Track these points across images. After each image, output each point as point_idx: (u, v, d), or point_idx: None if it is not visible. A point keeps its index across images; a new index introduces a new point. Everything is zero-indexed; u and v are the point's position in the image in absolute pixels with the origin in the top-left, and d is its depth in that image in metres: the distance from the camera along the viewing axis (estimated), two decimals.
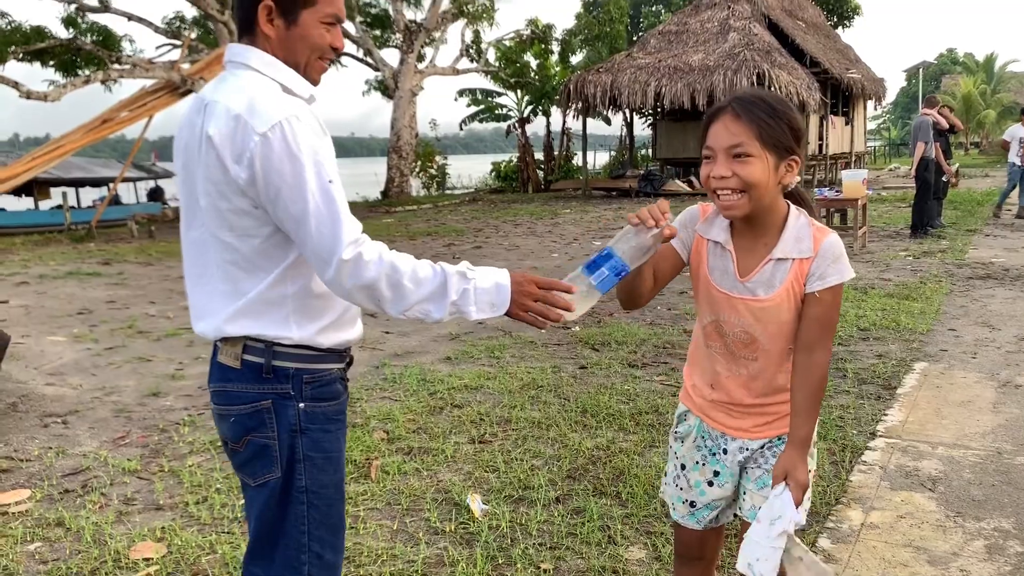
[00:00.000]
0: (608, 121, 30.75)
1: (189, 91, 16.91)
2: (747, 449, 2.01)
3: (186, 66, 17.92)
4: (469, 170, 35.30)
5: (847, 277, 1.84)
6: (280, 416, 1.78)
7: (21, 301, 8.79)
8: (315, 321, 1.78)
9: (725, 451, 2.04)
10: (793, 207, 1.91)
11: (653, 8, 42.88)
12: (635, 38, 31.97)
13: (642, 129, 33.13)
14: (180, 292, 9.25)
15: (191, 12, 21.46)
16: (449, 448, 4.10)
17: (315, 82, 1.84)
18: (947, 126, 12.50)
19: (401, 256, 1.68)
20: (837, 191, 11.16)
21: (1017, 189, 14.09)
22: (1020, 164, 13.80)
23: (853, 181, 10.67)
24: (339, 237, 1.63)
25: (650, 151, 29.06)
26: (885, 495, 3.50)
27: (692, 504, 2.10)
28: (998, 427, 4.28)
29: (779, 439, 1.99)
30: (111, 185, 18.98)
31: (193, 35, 22.18)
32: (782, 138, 1.81)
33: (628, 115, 27.67)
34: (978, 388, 4.95)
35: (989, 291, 7.85)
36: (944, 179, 12.72)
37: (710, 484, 2.07)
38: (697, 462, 2.08)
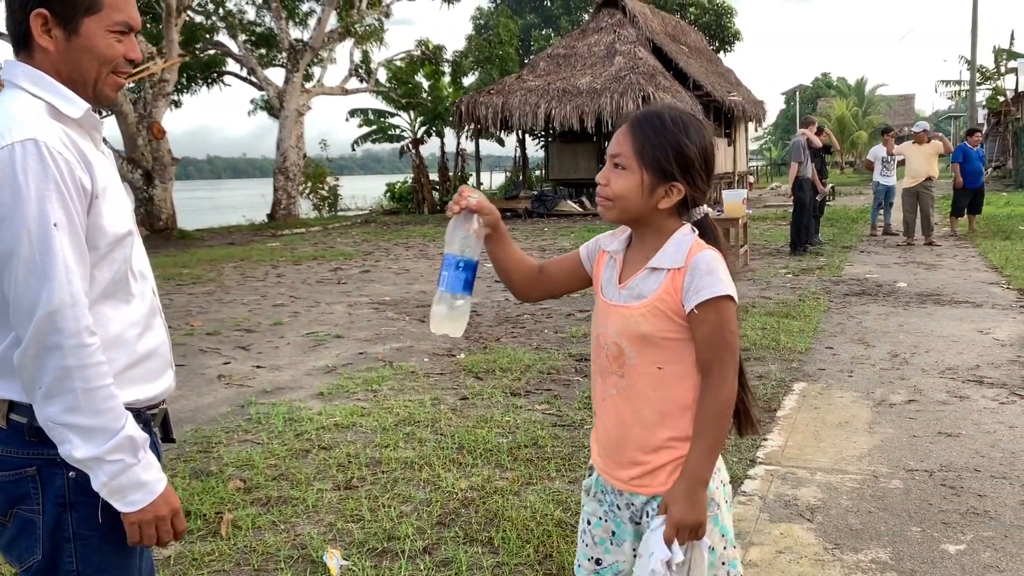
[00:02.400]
0: (501, 142, 30.83)
1: None
2: (632, 505, 1.84)
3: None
4: (365, 191, 34.73)
5: (720, 291, 1.69)
6: (46, 486, 1.54)
7: None
8: None
9: (618, 507, 1.87)
10: (687, 226, 1.80)
11: (543, 32, 43.48)
12: (526, 60, 32.24)
13: (535, 150, 33.44)
14: None
15: None
16: (311, 497, 3.79)
17: (111, 99, 1.65)
18: (820, 145, 12.95)
19: (102, 371, 1.47)
20: (719, 211, 11.34)
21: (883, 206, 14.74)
22: (884, 183, 14.41)
23: (733, 201, 10.86)
24: (49, 288, 1.41)
25: (543, 172, 29.25)
26: (764, 528, 3.39)
27: (598, 562, 1.92)
28: (874, 448, 4.27)
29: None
30: None
31: None
32: (662, 159, 1.73)
33: (520, 136, 27.80)
34: (855, 408, 4.96)
35: (864, 307, 8.05)
36: (819, 198, 13.15)
37: (611, 543, 1.89)
38: (600, 517, 1.91)
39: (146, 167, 18.10)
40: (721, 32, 36.96)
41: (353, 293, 9.97)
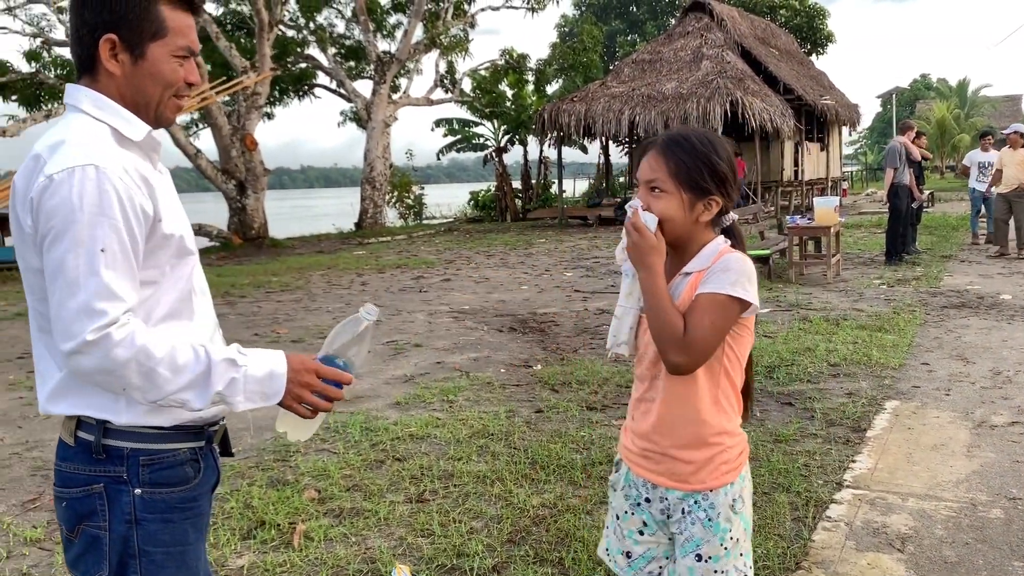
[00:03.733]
0: (585, 149, 30.74)
1: None
2: (665, 500, 1.92)
3: None
4: (450, 199, 35.13)
5: (726, 289, 1.77)
6: (113, 503, 1.56)
7: None
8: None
9: (648, 500, 1.96)
10: (721, 236, 1.93)
11: (628, 37, 43.14)
12: (610, 67, 32.05)
13: (619, 157, 33.16)
14: None
15: None
16: (383, 509, 3.78)
17: (170, 121, 1.68)
18: (918, 154, 12.39)
19: (158, 340, 1.47)
20: (809, 218, 10.98)
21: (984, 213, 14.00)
22: (980, 189, 13.67)
23: (825, 208, 10.50)
24: (94, 315, 1.42)
25: (627, 179, 28.99)
26: (850, 557, 3.21)
27: (628, 555, 2.00)
28: (972, 474, 4.01)
29: (698, 498, 1.88)
30: None
31: None
32: (698, 178, 1.84)
33: (604, 143, 27.62)
34: (952, 429, 4.69)
35: (964, 321, 7.63)
36: (916, 204, 12.59)
37: (640, 533, 1.99)
38: (627, 511, 2.00)
39: (239, 178, 18.70)
40: (813, 34, 35.95)
41: (433, 302, 10.04)
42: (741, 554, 1.91)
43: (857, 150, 78.08)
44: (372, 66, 23.11)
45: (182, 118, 19.16)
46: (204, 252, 18.01)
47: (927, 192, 17.71)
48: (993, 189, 12.56)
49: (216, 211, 22.04)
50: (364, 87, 24.79)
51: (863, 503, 3.71)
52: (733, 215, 1.94)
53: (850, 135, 34.23)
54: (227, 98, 19.93)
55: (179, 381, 1.47)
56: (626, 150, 28.20)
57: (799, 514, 3.60)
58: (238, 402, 1.52)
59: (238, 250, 17.98)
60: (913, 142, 12.35)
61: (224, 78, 18.74)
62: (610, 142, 28.03)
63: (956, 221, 17.73)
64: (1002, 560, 3.14)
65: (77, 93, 1.59)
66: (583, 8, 44.80)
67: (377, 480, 4.15)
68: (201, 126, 23.04)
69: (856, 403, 5.19)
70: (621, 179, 31.30)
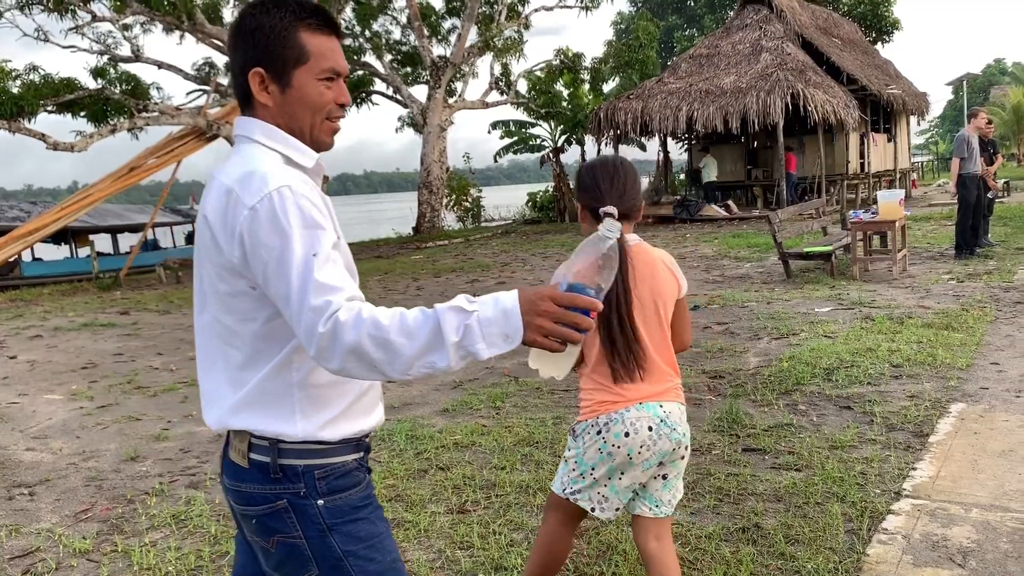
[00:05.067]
0: (643, 147, 30.38)
1: (215, 136, 17.02)
2: None
3: (213, 111, 18.06)
4: (509, 200, 35.15)
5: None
6: (301, 516, 1.65)
7: (30, 356, 8.69)
8: (322, 412, 1.64)
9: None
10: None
11: (686, 32, 42.55)
12: (668, 63, 31.63)
13: (679, 153, 32.70)
14: (189, 342, 9.07)
15: (221, 59, 21.77)
16: (424, 520, 3.74)
17: (327, 144, 1.72)
18: (989, 136, 11.86)
19: (383, 310, 1.47)
20: (873, 213, 10.61)
21: None
22: None
23: (889, 202, 10.12)
24: (317, 310, 1.47)
25: (686, 176, 28.57)
26: (907, 573, 3.04)
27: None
28: None
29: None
30: (143, 231, 19.16)
31: (224, 80, 22.45)
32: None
33: (663, 140, 27.26)
34: (1021, 434, 4.43)
35: None
36: (990, 195, 12.07)
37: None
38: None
39: None
40: (878, 22, 34.83)
41: None
42: (565, 465, 2.58)
43: (928, 140, 75.60)
44: (427, 71, 23.26)
45: None
46: None
47: (1002, 181, 17.01)
48: None
49: None
50: (420, 92, 25.00)
51: (923, 514, 3.52)
52: (606, 210, 2.25)
53: (919, 124, 33.07)
54: None
55: (415, 344, 1.44)
56: (685, 147, 27.80)
57: (853, 526, 3.43)
58: (480, 350, 1.45)
59: None
60: (982, 129, 11.85)
61: None
62: (669, 139, 27.72)
63: None
64: None
65: (249, 125, 1.66)
66: (639, 4, 44.35)
67: (419, 490, 4.12)
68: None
69: (919, 406, 4.96)
70: (681, 176, 30.87)
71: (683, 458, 2.52)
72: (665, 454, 2.43)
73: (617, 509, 2.51)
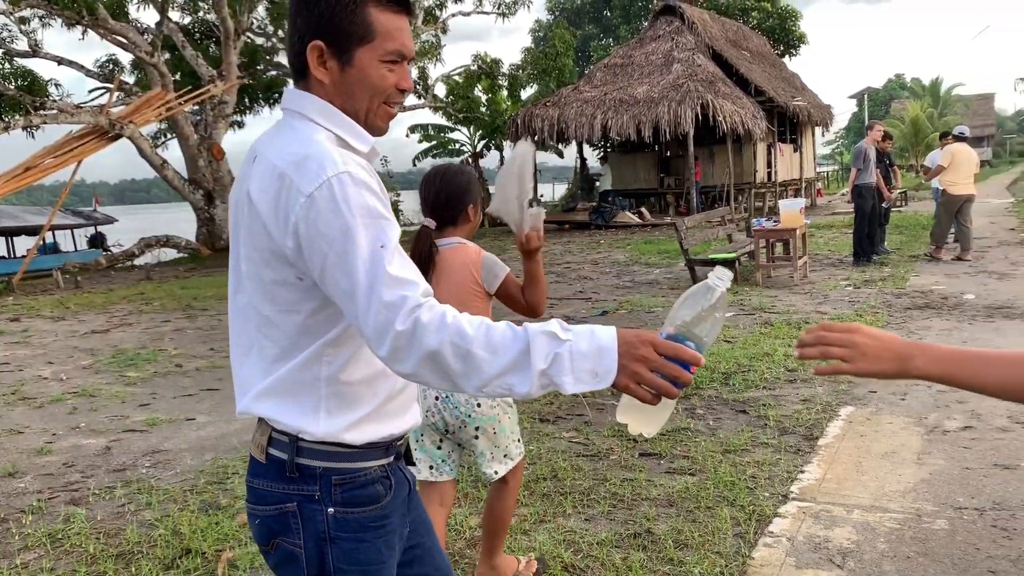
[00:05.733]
0: (561, 154, 30.69)
1: (119, 136, 16.42)
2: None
3: (117, 110, 17.41)
4: None
5: None
6: (307, 522, 1.55)
7: None
8: (349, 411, 1.54)
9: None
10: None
11: (602, 42, 43.19)
12: (585, 71, 32.03)
13: (596, 160, 33.12)
14: (84, 349, 8.72)
15: (126, 56, 21.02)
16: None
17: (381, 130, 1.61)
18: (886, 149, 12.37)
19: (471, 319, 1.39)
20: (776, 221, 10.94)
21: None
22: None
23: (790, 211, 10.45)
24: (393, 306, 1.37)
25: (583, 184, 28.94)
26: (789, 575, 3.12)
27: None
28: (920, 483, 3.93)
29: None
30: (40, 233, 18.32)
31: (130, 79, 21.72)
32: None
33: (579, 147, 27.58)
34: (904, 435, 4.61)
35: (926, 322, 7.59)
36: (885, 205, 12.59)
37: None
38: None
39: (207, 188, 18.49)
40: (785, 36, 36.06)
41: None
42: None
43: (834, 150, 78.58)
44: None
45: (148, 129, 18.89)
46: (169, 265, 17.80)
47: (898, 192, 17.78)
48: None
49: (184, 222, 21.80)
50: None
51: (807, 516, 3.62)
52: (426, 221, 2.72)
53: (823, 136, 34.35)
54: (195, 107, 19.71)
55: (499, 362, 1.35)
56: (601, 154, 28.17)
57: (742, 529, 3.50)
58: (566, 383, 1.34)
59: (206, 261, 17.76)
60: (879, 143, 12.37)
61: (190, 87, 18.52)
62: (586, 146, 28.06)
63: (926, 220, 17.75)
64: (942, 574, 3.06)
65: (303, 100, 1.54)
66: (557, 13, 44.83)
67: None
68: (168, 136, 22.78)
69: (811, 410, 5.11)
70: (597, 183, 31.29)
71: (476, 438, 2.75)
72: (451, 424, 2.72)
73: (431, 467, 2.79)
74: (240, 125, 25.50)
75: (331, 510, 1.54)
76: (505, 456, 2.84)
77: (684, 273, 11.45)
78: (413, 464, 1.80)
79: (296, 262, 1.45)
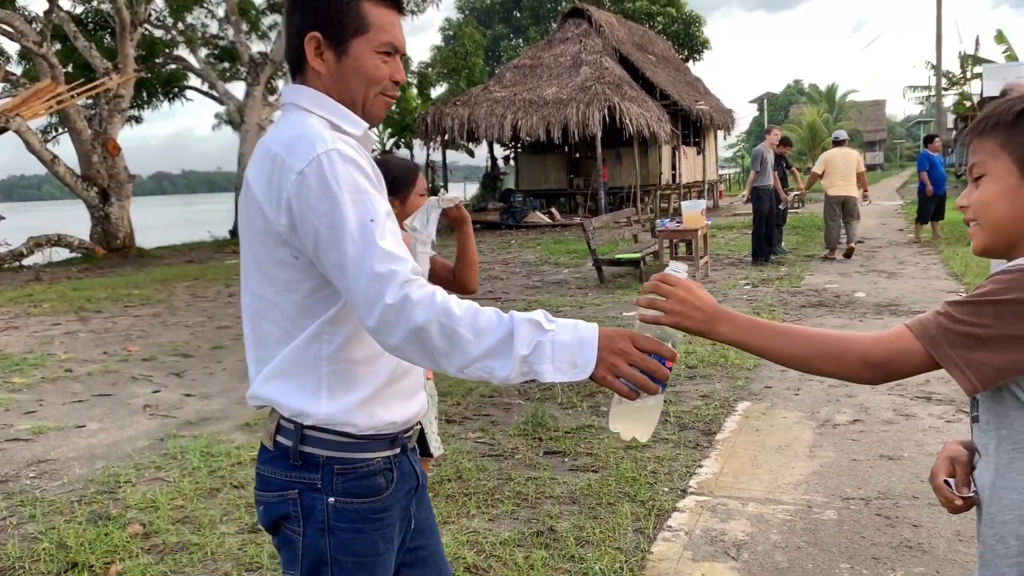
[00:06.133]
0: (471, 153, 30.71)
1: (5, 128, 15.59)
2: None
3: (2, 102, 16.53)
4: None
5: None
6: (307, 510, 1.58)
7: None
8: (351, 391, 1.55)
9: None
10: None
11: (512, 42, 43.41)
12: (495, 71, 32.11)
13: (509, 161, 33.22)
14: None
15: (12, 46, 19.97)
16: (212, 542, 3.54)
17: (378, 119, 1.68)
18: (784, 152, 12.84)
19: (459, 301, 1.43)
20: (679, 222, 11.21)
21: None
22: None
23: (692, 212, 10.72)
24: (382, 278, 1.41)
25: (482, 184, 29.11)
26: (686, 568, 3.19)
27: None
28: (812, 475, 4.09)
29: None
30: None
31: (17, 70, 20.65)
32: None
33: (489, 147, 27.64)
34: (797, 429, 4.79)
35: (820, 319, 7.91)
36: (782, 206, 13.06)
37: None
38: None
39: (102, 185, 17.74)
40: (690, 41, 37.04)
41: None
42: None
43: (736, 153, 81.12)
44: (245, 68, 22.36)
45: (37, 123, 18.00)
46: (61, 265, 16.99)
47: (793, 194, 18.45)
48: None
49: (78, 220, 20.84)
50: (239, 89, 23.98)
51: (705, 510, 3.71)
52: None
53: (725, 139, 35.41)
54: (88, 101, 18.87)
55: (482, 345, 1.39)
56: (512, 154, 28.31)
57: (641, 524, 3.56)
58: (546, 371, 1.39)
59: (101, 261, 17.01)
60: (777, 147, 12.82)
61: (83, 80, 17.72)
62: (497, 146, 28.15)
63: (821, 222, 18.51)
64: (830, 563, 3.18)
65: (297, 92, 1.62)
66: (466, 12, 44.81)
67: (210, 511, 3.90)
68: (59, 130, 21.77)
69: (709, 405, 5.25)
70: (500, 181, 31.40)
71: None
72: None
73: None
74: (137, 120, 24.58)
75: (331, 499, 1.57)
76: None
77: (592, 273, 11.61)
78: (430, 455, 1.82)
79: (290, 240, 1.49)
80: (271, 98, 23.39)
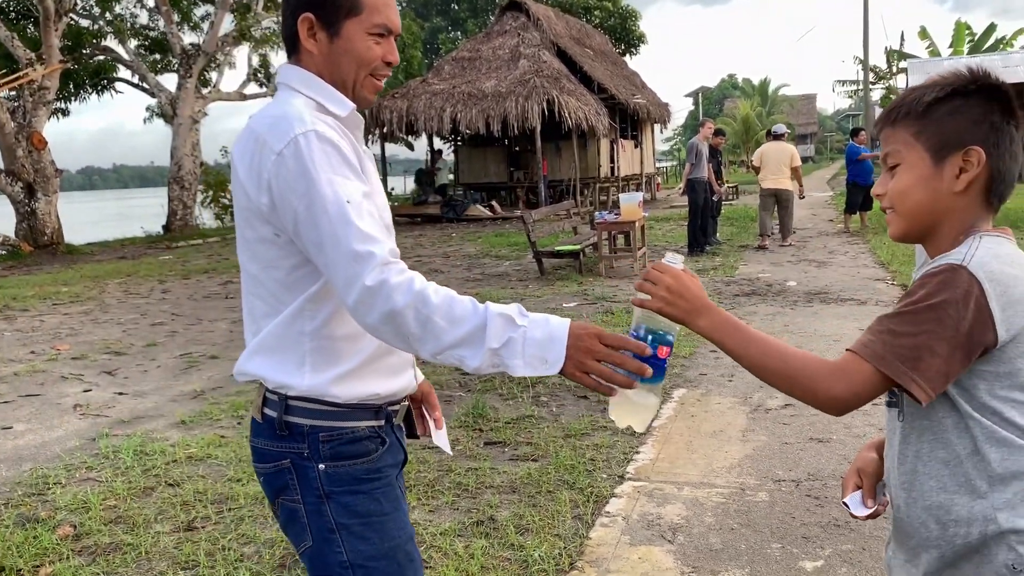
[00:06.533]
0: (411, 146, 30.45)
1: None
2: None
3: None
4: None
5: None
6: (302, 478, 1.61)
7: None
8: (332, 366, 1.58)
9: None
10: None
11: (451, 35, 43.24)
12: (434, 64, 31.94)
13: (447, 154, 33.12)
14: None
15: None
16: (146, 542, 3.48)
17: (368, 101, 1.69)
18: (717, 145, 13.11)
19: (437, 289, 1.47)
20: (617, 214, 11.32)
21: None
22: None
23: (630, 204, 10.86)
24: (361, 258, 1.44)
25: (454, 176, 29.05)
26: (623, 553, 3.25)
27: None
28: (744, 458, 4.20)
29: None
30: None
31: None
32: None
33: (429, 140, 27.50)
34: (731, 415, 4.91)
35: (753, 308, 8.09)
36: (716, 198, 13.31)
37: None
38: None
39: (27, 179, 17.15)
40: (626, 35, 37.34)
41: (238, 308, 9.55)
42: None
43: (673, 146, 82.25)
44: (177, 59, 21.84)
45: None
46: None
47: (727, 186, 18.81)
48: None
49: (2, 216, 20.12)
50: (170, 81, 23.42)
51: (642, 495, 3.79)
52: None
53: (662, 132, 35.87)
54: (11, 93, 18.21)
55: (455, 333, 1.43)
56: (452, 147, 28.21)
57: (580, 511, 3.62)
58: (516, 365, 1.44)
59: (27, 259, 16.45)
60: (711, 139, 13.05)
61: (5, 71, 17.09)
62: (436, 139, 28.02)
63: (755, 213, 18.91)
64: (762, 543, 3.28)
65: (288, 72, 1.65)
66: (404, 4, 44.44)
67: (144, 510, 3.83)
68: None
69: None
70: (451, 176, 31.32)
71: None
72: None
73: None
74: (64, 112, 23.81)
75: (321, 466, 1.59)
76: None
77: (533, 265, 11.67)
78: (416, 437, 1.87)
79: (271, 219, 1.53)
80: (204, 91, 22.89)
